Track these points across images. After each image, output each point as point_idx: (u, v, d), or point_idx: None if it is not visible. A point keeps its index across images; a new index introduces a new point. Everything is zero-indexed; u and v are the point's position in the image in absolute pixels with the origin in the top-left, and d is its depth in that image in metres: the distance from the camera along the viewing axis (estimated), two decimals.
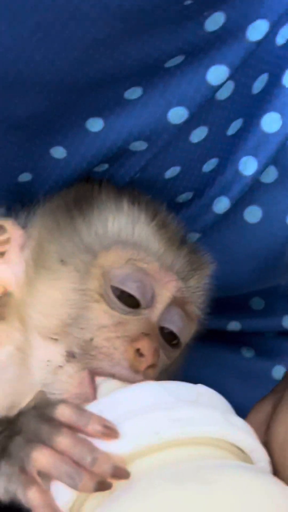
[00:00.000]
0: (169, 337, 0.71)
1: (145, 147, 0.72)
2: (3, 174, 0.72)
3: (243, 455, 0.59)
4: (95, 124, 0.70)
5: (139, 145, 0.72)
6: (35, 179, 0.73)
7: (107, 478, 0.55)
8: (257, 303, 0.92)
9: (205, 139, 0.75)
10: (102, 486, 0.55)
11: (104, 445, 0.56)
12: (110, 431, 0.56)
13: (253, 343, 0.95)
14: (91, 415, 0.57)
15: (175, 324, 0.71)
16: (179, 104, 0.70)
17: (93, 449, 0.56)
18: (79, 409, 0.58)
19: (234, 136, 0.77)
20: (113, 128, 0.70)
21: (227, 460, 0.57)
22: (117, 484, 0.55)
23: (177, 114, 0.70)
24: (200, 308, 0.75)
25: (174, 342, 0.71)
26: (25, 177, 0.73)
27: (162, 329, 0.70)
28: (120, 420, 0.57)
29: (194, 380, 0.62)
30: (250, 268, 0.84)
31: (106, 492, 0.55)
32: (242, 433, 0.58)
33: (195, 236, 0.81)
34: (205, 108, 0.71)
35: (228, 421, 0.57)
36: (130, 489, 0.54)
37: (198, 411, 0.57)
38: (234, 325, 0.93)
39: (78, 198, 0.72)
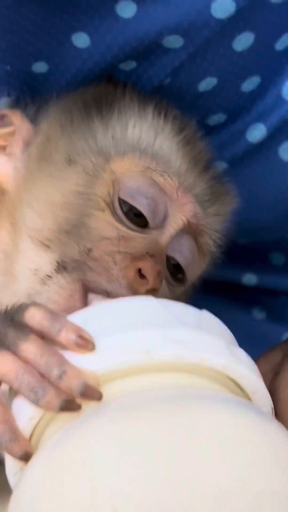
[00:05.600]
0: (174, 269, 0.66)
1: (180, 44, 0.67)
2: (16, 60, 0.67)
3: (244, 397, 0.53)
4: (127, 9, 0.65)
5: (174, 41, 0.67)
6: (52, 70, 0.68)
7: (76, 397, 0.48)
8: (278, 258, 0.86)
9: (249, 49, 0.69)
10: (69, 406, 0.48)
11: (78, 359, 0.49)
12: (85, 342, 0.49)
13: (266, 304, 0.89)
14: (65, 321, 0.51)
15: (183, 256, 0.66)
16: None
17: (62, 361, 0.49)
18: (52, 313, 0.51)
19: (283, 52, 0.71)
20: (147, 16, 0.65)
21: (222, 393, 0.51)
22: (86, 406, 0.48)
23: (223, 6, 0.65)
24: (215, 243, 0.69)
25: (179, 276, 0.66)
26: (40, 67, 0.68)
27: (168, 259, 0.65)
28: (106, 332, 0.50)
29: None
30: (276, 213, 0.78)
31: (74, 415, 0.48)
32: (246, 369, 0.52)
33: (221, 166, 0.76)
34: (255, 8, 0.66)
35: (232, 352, 0.51)
36: (96, 413, 0.47)
37: (199, 335, 0.51)
38: (249, 278, 0.87)
39: (98, 96, 0.67)
